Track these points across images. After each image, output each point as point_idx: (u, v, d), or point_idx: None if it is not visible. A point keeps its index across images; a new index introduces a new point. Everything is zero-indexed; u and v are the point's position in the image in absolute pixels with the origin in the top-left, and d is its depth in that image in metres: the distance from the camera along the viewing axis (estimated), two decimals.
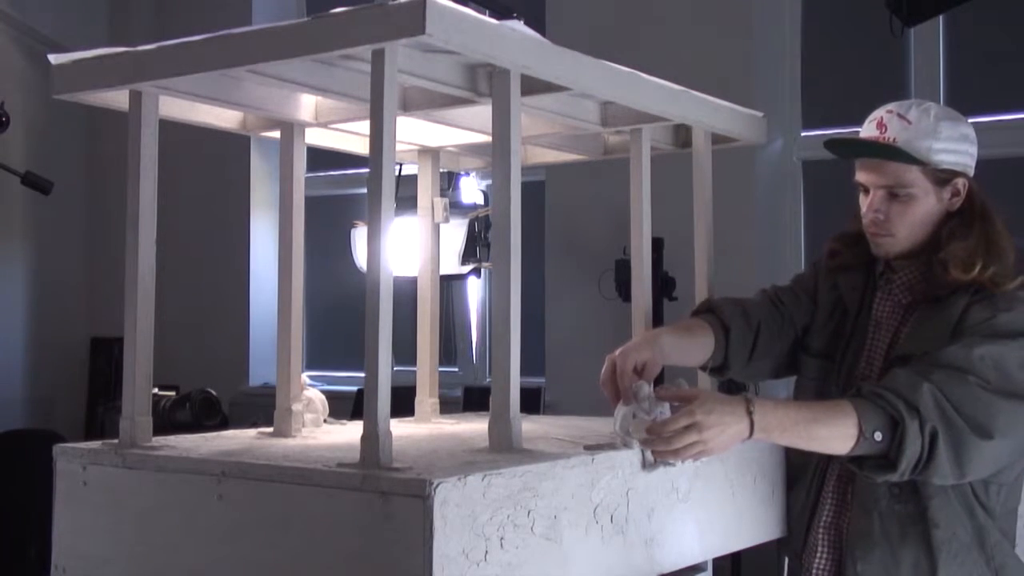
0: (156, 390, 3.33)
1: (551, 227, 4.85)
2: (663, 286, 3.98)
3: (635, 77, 2.08)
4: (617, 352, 1.94)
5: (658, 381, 2.15)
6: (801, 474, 2.20)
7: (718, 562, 2.18)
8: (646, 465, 1.87)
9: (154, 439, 1.92)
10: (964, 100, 4.34)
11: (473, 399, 4.55)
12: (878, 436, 1.84)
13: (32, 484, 3.12)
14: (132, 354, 1.92)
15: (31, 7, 5.44)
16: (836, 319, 2.20)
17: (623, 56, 2.18)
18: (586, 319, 4.62)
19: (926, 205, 2.05)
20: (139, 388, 1.91)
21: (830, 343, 2.19)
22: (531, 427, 2.08)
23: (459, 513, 1.50)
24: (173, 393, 3.85)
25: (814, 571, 2.14)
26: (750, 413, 1.80)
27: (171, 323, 4.36)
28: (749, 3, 4.53)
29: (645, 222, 2.27)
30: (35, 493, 2.59)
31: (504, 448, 1.78)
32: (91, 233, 5.93)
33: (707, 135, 2.38)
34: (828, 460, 2.11)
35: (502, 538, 1.57)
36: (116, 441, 1.91)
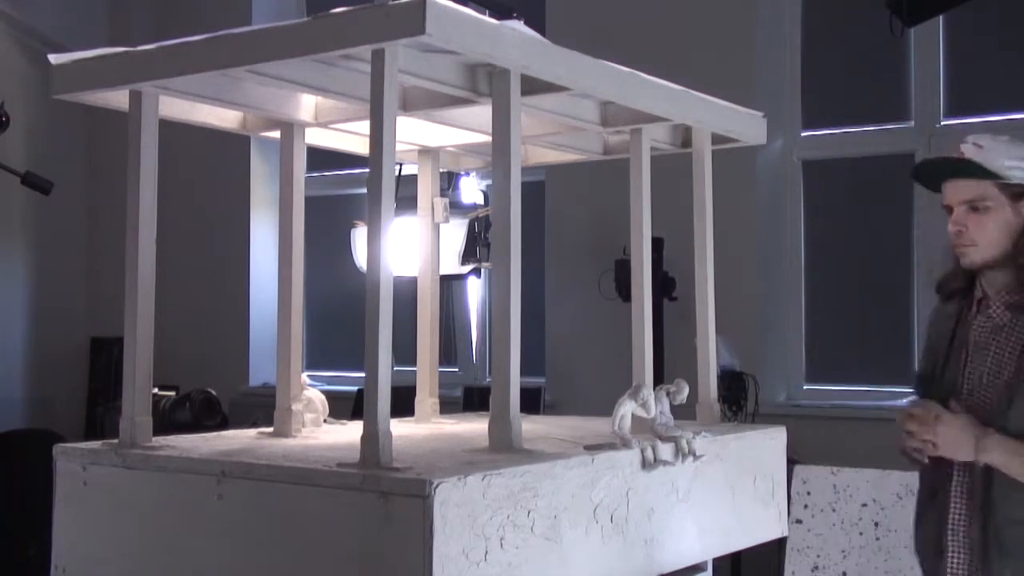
0: (156, 390, 3.33)
1: (551, 227, 4.85)
2: (663, 286, 3.98)
3: (635, 77, 2.08)
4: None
5: (657, 381, 2.15)
6: (940, 487, 2.28)
7: (718, 562, 2.19)
8: (646, 465, 1.87)
9: (154, 439, 1.92)
10: (964, 100, 4.35)
11: (473, 399, 4.55)
12: None
13: (32, 484, 3.12)
14: (132, 354, 1.92)
15: (31, 7, 5.44)
16: (937, 346, 2.38)
17: (623, 56, 2.18)
18: (586, 319, 4.62)
19: (1003, 216, 2.25)
20: (139, 388, 1.91)
21: (929, 368, 2.38)
22: (531, 427, 2.08)
23: (459, 513, 1.50)
24: (173, 393, 3.85)
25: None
26: (977, 441, 2.13)
27: (171, 323, 4.36)
28: (749, 3, 4.54)
29: (645, 222, 2.27)
30: (35, 493, 2.59)
31: (504, 448, 1.78)
32: (91, 233, 5.93)
33: (707, 135, 2.38)
34: (966, 474, 2.23)
35: (502, 538, 1.57)
36: (116, 441, 1.91)
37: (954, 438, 2.15)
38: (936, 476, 2.28)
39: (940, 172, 2.32)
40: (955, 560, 2.21)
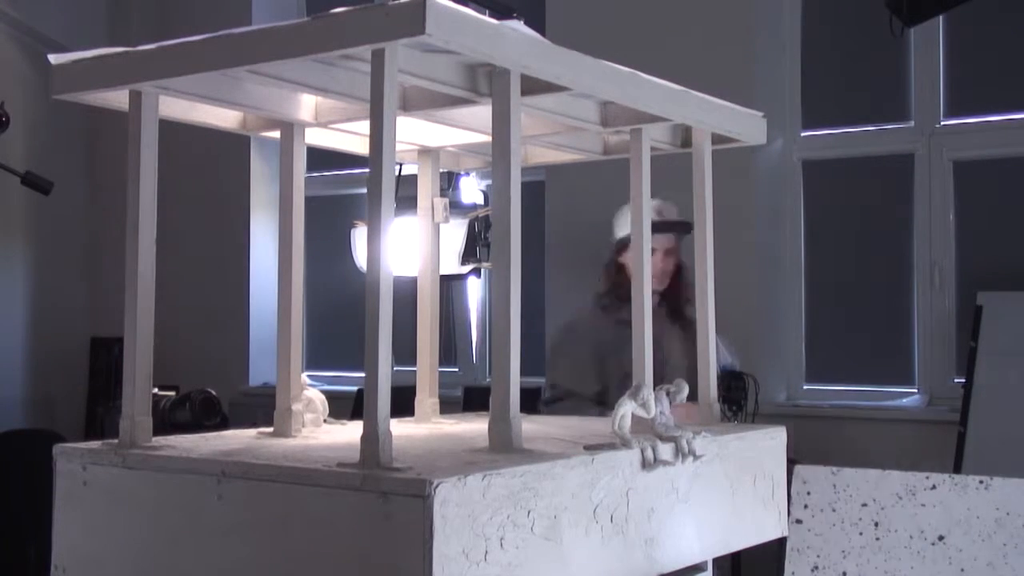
0: (156, 390, 3.33)
1: (551, 227, 4.85)
2: None
3: (635, 77, 2.08)
4: None
5: (657, 382, 2.15)
6: None
7: (718, 562, 2.19)
8: (646, 465, 1.87)
9: (154, 439, 1.92)
10: (964, 100, 4.35)
11: (473, 399, 4.56)
12: None
13: (32, 484, 3.12)
14: (132, 354, 1.92)
15: (31, 7, 5.45)
16: None
17: (623, 56, 2.18)
18: None
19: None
20: (139, 388, 1.91)
21: None
22: (531, 427, 2.08)
23: (459, 513, 1.50)
24: (173, 393, 3.85)
25: None
26: None
27: (171, 323, 4.36)
28: (749, 3, 4.54)
29: (645, 222, 2.27)
30: (35, 493, 2.59)
31: (504, 448, 1.78)
32: (91, 233, 5.93)
33: (707, 135, 2.38)
34: None
35: (502, 538, 1.57)
36: (116, 441, 1.91)
37: None
38: None
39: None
40: None
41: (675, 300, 3.53)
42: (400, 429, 2.06)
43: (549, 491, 1.66)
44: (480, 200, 4.21)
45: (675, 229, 3.34)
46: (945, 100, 4.37)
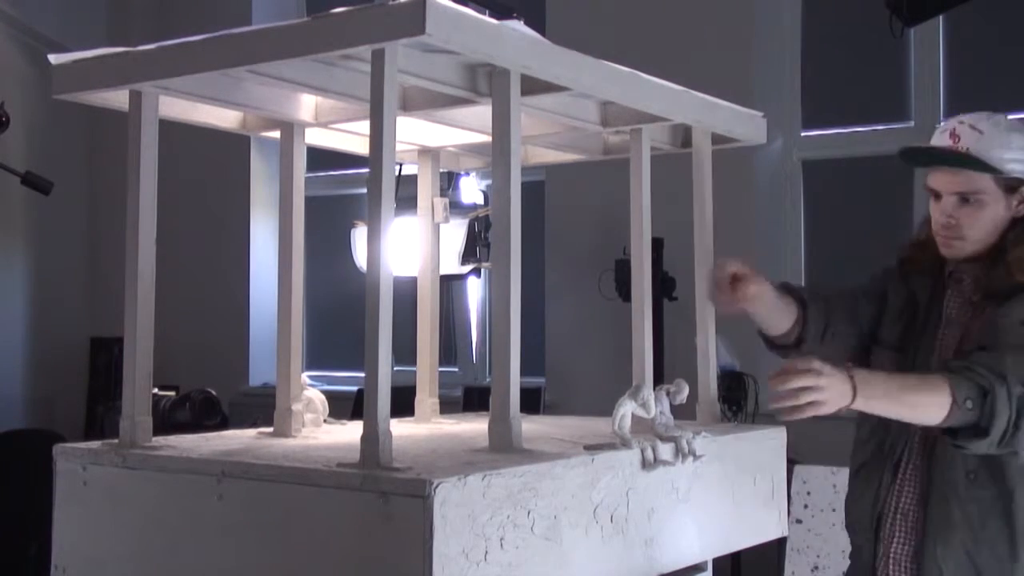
0: (156, 390, 3.33)
1: (551, 227, 4.85)
2: (663, 286, 3.98)
3: (635, 77, 2.08)
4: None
5: (657, 381, 2.15)
6: (872, 462, 2.27)
7: (718, 562, 2.19)
8: (646, 465, 1.87)
9: (154, 439, 1.92)
10: (964, 100, 4.34)
11: (473, 399, 4.55)
12: (969, 404, 1.96)
13: (32, 484, 3.12)
14: (132, 354, 1.92)
15: (31, 7, 5.44)
16: (907, 315, 2.30)
17: (623, 56, 2.18)
18: (586, 319, 4.62)
19: (995, 211, 2.17)
20: (139, 388, 1.91)
21: (902, 336, 2.29)
22: (531, 427, 2.08)
23: (459, 513, 1.50)
24: (173, 393, 3.85)
25: (891, 556, 2.21)
26: (851, 377, 1.95)
27: (171, 323, 4.36)
28: (749, 3, 4.54)
29: (645, 222, 2.28)
30: (35, 493, 2.59)
31: (504, 448, 1.78)
32: (91, 233, 5.93)
33: (707, 135, 2.38)
34: (903, 448, 2.20)
35: (502, 538, 1.57)
36: (116, 441, 1.91)
37: (836, 388, 1.93)
38: (868, 450, 2.27)
39: (932, 159, 2.23)
40: (898, 542, 2.20)
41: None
42: (400, 429, 2.06)
43: (549, 491, 1.66)
44: (480, 200, 4.21)
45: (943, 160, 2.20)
46: (945, 100, 4.37)
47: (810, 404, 1.91)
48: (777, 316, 2.29)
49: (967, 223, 2.16)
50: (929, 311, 2.26)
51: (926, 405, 1.99)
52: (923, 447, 2.17)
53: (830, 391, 1.92)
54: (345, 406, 4.28)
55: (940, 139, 2.20)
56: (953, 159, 2.16)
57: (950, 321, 2.23)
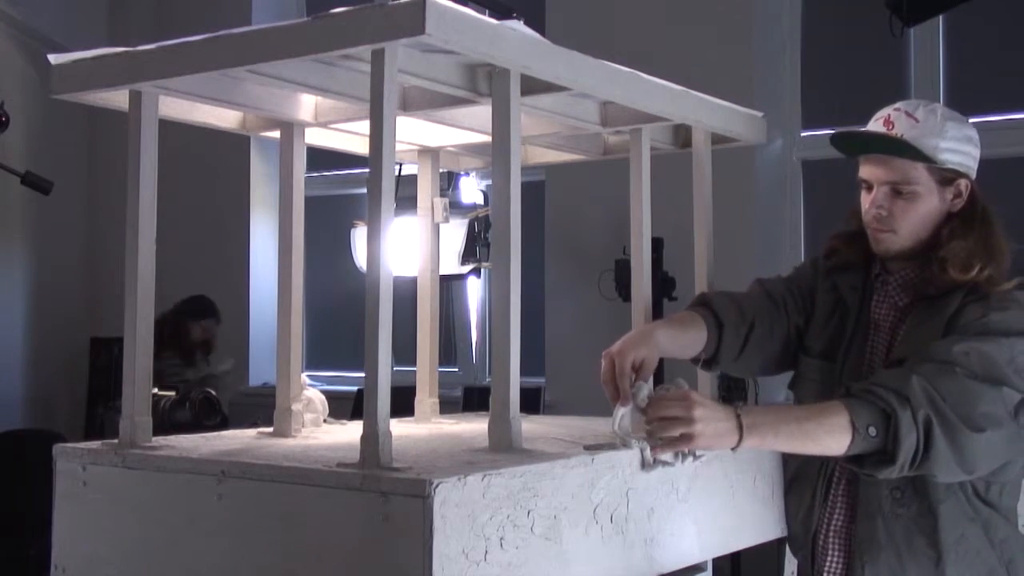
0: (156, 390, 3.33)
1: (551, 227, 4.85)
2: (663, 286, 3.98)
3: (635, 77, 2.08)
4: (615, 349, 1.93)
5: (657, 377, 2.15)
6: (803, 476, 2.19)
7: (718, 562, 2.18)
8: (646, 465, 1.87)
9: (154, 439, 1.92)
10: (964, 100, 4.34)
11: (473, 399, 4.55)
12: (872, 431, 1.83)
13: (32, 484, 3.12)
14: (132, 354, 1.92)
15: (31, 7, 5.44)
16: (836, 320, 2.20)
17: (623, 56, 2.18)
18: (586, 319, 4.62)
19: (929, 204, 2.06)
20: (139, 388, 1.91)
21: (830, 344, 2.19)
22: (531, 427, 2.08)
23: (459, 513, 1.50)
24: (173, 393, 3.85)
25: (825, 573, 2.13)
26: (738, 415, 1.80)
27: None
28: (749, 3, 4.54)
29: (645, 222, 2.27)
30: (35, 493, 2.59)
31: (504, 448, 1.78)
32: (91, 233, 5.93)
33: (707, 135, 2.38)
34: (835, 464, 2.11)
35: (502, 538, 1.57)
36: (116, 441, 1.91)
37: (715, 423, 1.78)
38: (796, 463, 2.18)
39: (864, 145, 2.12)
40: (832, 560, 2.11)
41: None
42: (400, 429, 2.06)
43: (549, 491, 1.66)
44: (480, 200, 4.21)
45: (876, 146, 2.11)
46: (945, 100, 4.37)
47: (682, 437, 1.77)
48: (687, 349, 2.12)
49: (899, 216, 2.06)
50: (858, 317, 2.15)
51: (823, 436, 1.84)
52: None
53: (705, 425, 1.76)
54: (345, 406, 4.28)
55: (874, 126, 2.10)
56: (885, 144, 2.06)
57: (878, 326, 2.13)
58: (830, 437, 1.84)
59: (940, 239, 2.05)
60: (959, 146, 2.05)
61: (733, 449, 1.83)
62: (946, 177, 2.05)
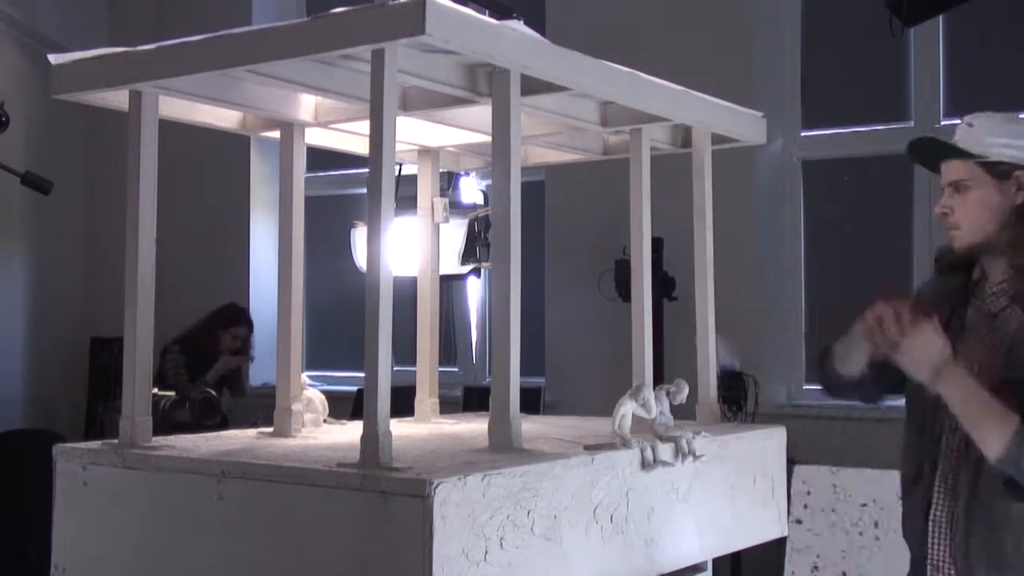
0: (156, 390, 3.33)
1: (551, 227, 4.85)
2: (663, 286, 3.98)
3: (635, 77, 2.08)
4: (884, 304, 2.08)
5: (657, 381, 2.15)
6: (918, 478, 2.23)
7: (718, 562, 2.19)
8: (646, 465, 1.87)
9: (154, 439, 1.92)
10: (964, 100, 4.34)
11: (473, 399, 4.55)
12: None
13: (32, 484, 3.12)
14: (132, 354, 1.92)
15: (31, 7, 5.45)
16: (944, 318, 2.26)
17: (623, 56, 2.18)
18: (586, 319, 4.62)
19: (985, 195, 2.15)
20: (139, 388, 1.91)
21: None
22: (531, 427, 2.08)
23: (459, 513, 1.50)
24: (173, 393, 3.85)
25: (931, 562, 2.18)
26: (945, 364, 2.01)
27: (171, 323, 4.35)
28: (749, 3, 4.54)
29: (645, 222, 2.27)
30: (35, 493, 2.59)
31: (504, 448, 1.78)
32: (91, 233, 5.93)
33: (707, 135, 2.38)
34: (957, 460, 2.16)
35: (502, 538, 1.57)
36: (116, 441, 1.91)
37: (920, 351, 2.01)
38: (921, 452, 2.20)
39: (930, 155, 2.26)
40: (937, 551, 2.15)
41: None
42: (400, 429, 2.06)
43: (549, 491, 1.66)
44: (480, 200, 4.21)
45: (936, 154, 2.24)
46: (945, 100, 4.37)
47: (893, 344, 1.99)
48: (862, 356, 2.27)
49: (959, 210, 2.17)
50: (957, 319, 2.21)
51: (991, 431, 2.01)
52: (973, 469, 2.10)
53: (914, 347, 2.00)
54: (345, 406, 4.28)
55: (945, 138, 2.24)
56: (940, 149, 2.20)
57: (971, 331, 2.18)
58: (994, 435, 2.01)
59: (1004, 232, 2.13)
60: (1013, 140, 2.14)
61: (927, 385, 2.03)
62: (1002, 171, 2.13)
